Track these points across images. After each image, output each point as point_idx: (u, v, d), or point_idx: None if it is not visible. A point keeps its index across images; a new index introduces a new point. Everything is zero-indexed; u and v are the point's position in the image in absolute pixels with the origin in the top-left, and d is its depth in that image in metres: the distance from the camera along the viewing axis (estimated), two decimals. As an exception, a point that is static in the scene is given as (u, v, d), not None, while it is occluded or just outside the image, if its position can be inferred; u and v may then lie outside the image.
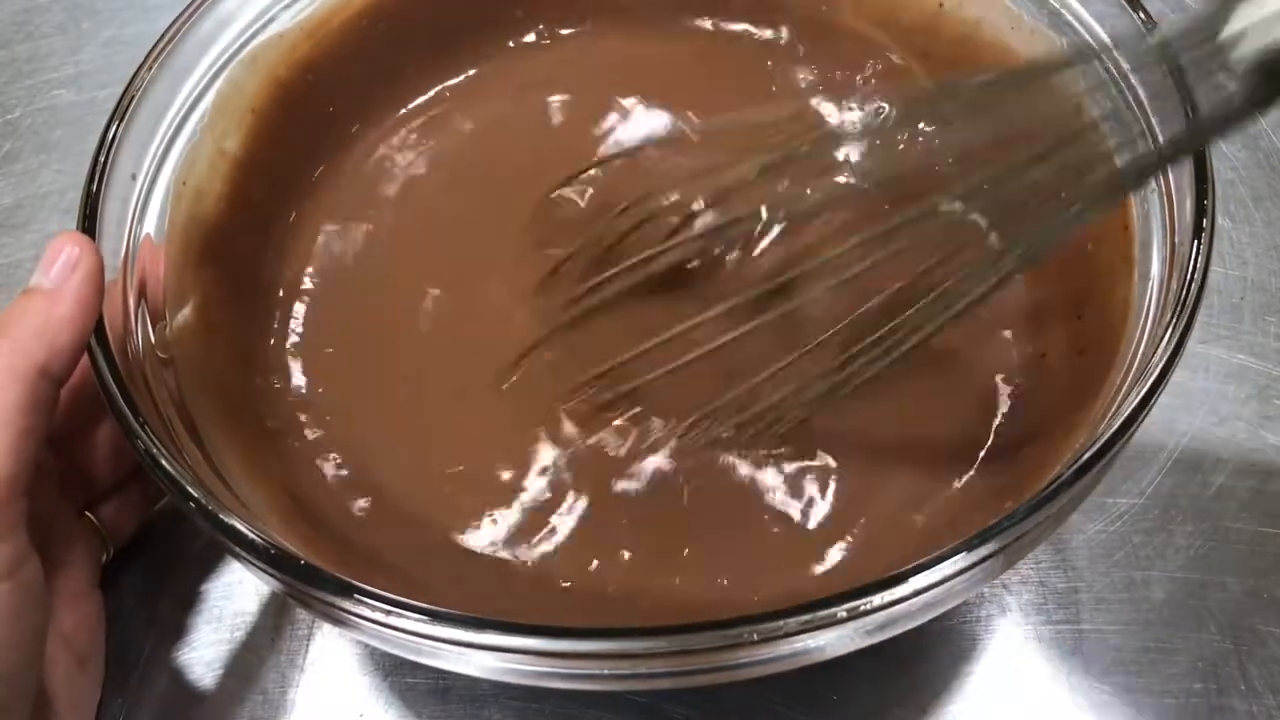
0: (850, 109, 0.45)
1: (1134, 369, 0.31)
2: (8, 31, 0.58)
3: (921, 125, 0.40)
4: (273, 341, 0.41)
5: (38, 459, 0.31)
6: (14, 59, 0.57)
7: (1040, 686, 0.38)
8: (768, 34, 0.47)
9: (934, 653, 0.39)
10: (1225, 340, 0.45)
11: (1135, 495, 0.41)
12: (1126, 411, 0.29)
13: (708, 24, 0.48)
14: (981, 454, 0.37)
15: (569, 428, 0.38)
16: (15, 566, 0.30)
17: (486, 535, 0.36)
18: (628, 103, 0.46)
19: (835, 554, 0.36)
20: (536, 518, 0.37)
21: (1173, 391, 0.43)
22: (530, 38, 0.48)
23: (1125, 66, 0.35)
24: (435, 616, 0.27)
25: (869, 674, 0.38)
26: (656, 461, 0.38)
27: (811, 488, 0.37)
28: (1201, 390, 0.44)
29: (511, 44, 0.48)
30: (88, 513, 0.38)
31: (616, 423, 0.38)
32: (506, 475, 0.37)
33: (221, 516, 0.29)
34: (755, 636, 0.26)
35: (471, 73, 0.47)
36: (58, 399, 0.32)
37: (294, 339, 0.41)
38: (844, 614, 0.26)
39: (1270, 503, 0.41)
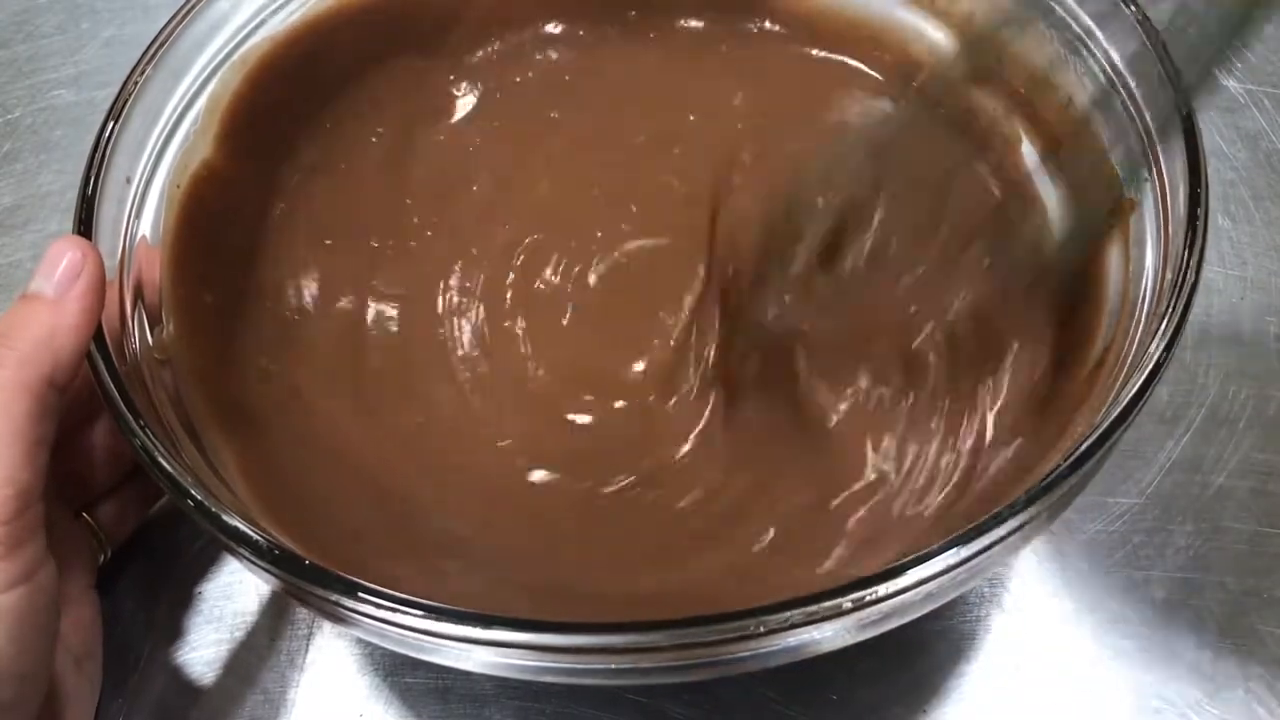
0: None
1: (1130, 361, 0.32)
2: (8, 31, 0.58)
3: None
4: (269, 341, 0.41)
5: (48, 466, 0.31)
6: (14, 59, 0.57)
7: (1039, 686, 0.38)
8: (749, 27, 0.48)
9: (933, 652, 0.39)
10: (1225, 340, 0.45)
11: (1135, 495, 0.41)
12: (1123, 403, 0.29)
13: (694, 23, 0.48)
14: (978, 447, 0.37)
15: (575, 421, 0.38)
16: (34, 570, 0.30)
17: (489, 532, 0.36)
18: (628, 101, 0.46)
19: (831, 549, 0.36)
20: (540, 513, 0.37)
21: (1173, 391, 0.43)
22: (522, 36, 0.48)
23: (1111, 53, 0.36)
24: (438, 613, 0.27)
25: (868, 673, 0.38)
26: (659, 461, 0.38)
27: (805, 483, 0.37)
28: (1201, 390, 0.44)
29: (501, 43, 0.48)
30: (84, 514, 0.38)
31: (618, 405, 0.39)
32: (510, 470, 0.38)
33: (223, 516, 0.29)
34: (761, 629, 0.26)
35: (464, 71, 0.47)
36: (62, 406, 0.32)
37: (291, 339, 0.41)
38: (849, 605, 0.26)
39: (1270, 503, 0.41)
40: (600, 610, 0.34)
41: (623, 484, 0.38)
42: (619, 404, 0.39)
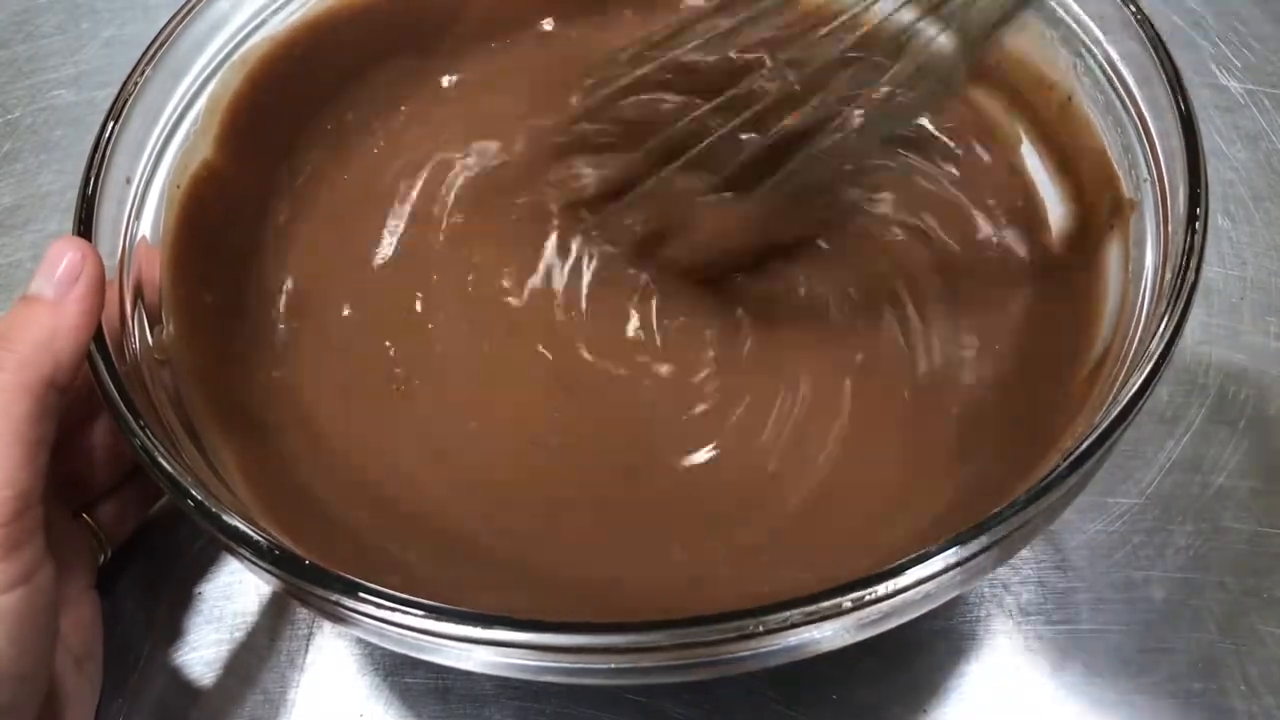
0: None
1: (1129, 361, 0.32)
2: (8, 31, 0.58)
3: None
4: (269, 341, 0.41)
5: (48, 468, 0.31)
6: (14, 59, 0.57)
7: (1039, 686, 0.38)
8: None
9: (933, 652, 0.39)
10: (1225, 340, 0.45)
11: (1135, 495, 0.41)
12: (1123, 403, 0.29)
13: None
14: (978, 447, 0.37)
15: (571, 429, 0.38)
16: (32, 572, 0.30)
17: (487, 531, 0.36)
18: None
19: (831, 550, 0.36)
20: (539, 512, 0.37)
21: (1173, 391, 0.43)
22: (521, 35, 0.48)
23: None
24: (438, 613, 0.27)
25: (868, 673, 0.38)
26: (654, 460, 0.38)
27: (805, 485, 0.37)
28: (1201, 390, 0.44)
29: (495, 44, 0.48)
30: (84, 514, 0.38)
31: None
32: (507, 469, 0.38)
33: (223, 516, 0.29)
34: (761, 628, 0.26)
35: (457, 73, 0.47)
36: (61, 407, 0.32)
37: (289, 338, 0.41)
38: (849, 604, 0.26)
39: (1270, 503, 0.41)
40: (612, 603, 0.34)
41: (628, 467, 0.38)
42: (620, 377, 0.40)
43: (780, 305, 0.41)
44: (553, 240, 0.43)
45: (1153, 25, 0.36)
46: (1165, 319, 0.30)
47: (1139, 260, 0.35)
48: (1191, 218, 0.32)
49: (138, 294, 0.36)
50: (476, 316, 0.41)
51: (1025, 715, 0.38)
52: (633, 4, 0.48)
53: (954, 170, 0.43)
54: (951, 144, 0.44)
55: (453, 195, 0.44)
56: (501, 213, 0.44)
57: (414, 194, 0.44)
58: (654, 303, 0.41)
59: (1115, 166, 0.37)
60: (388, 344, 0.41)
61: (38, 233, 0.51)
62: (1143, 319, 0.33)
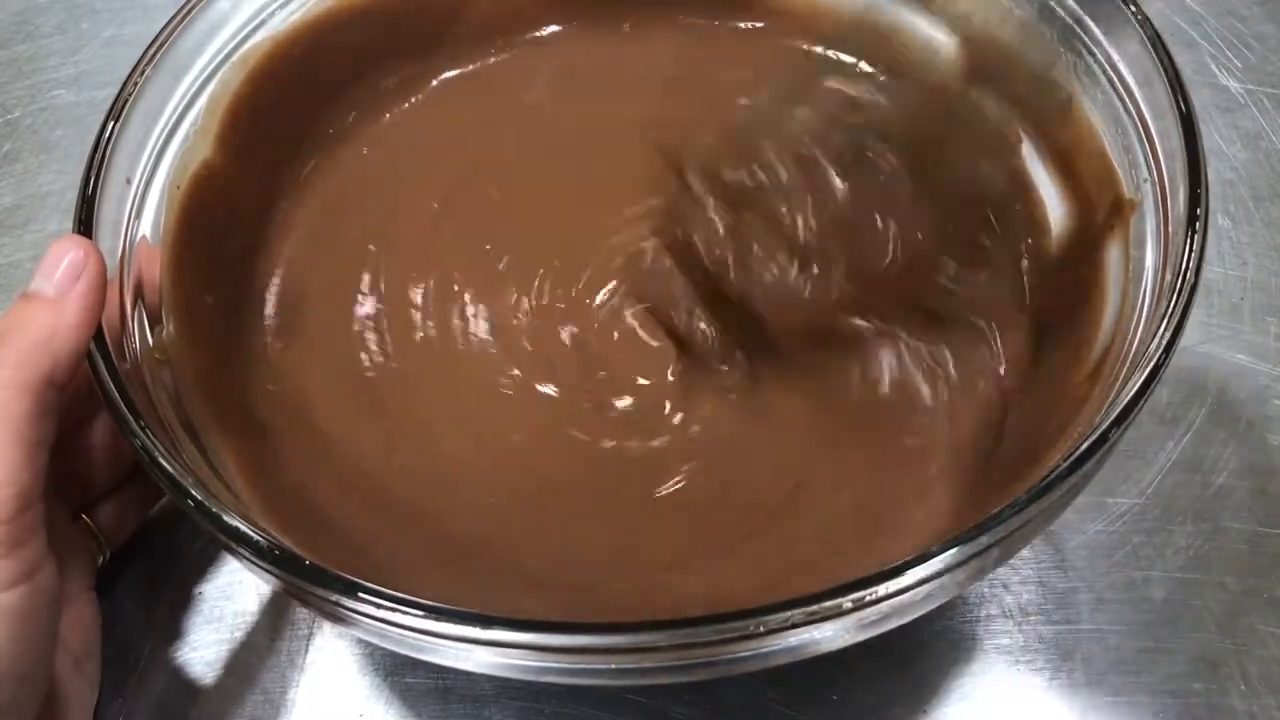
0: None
1: (1130, 361, 0.32)
2: (8, 31, 0.58)
3: None
4: (269, 341, 0.41)
5: (48, 467, 0.31)
6: (14, 59, 0.57)
7: (1040, 686, 0.38)
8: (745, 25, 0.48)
9: (934, 652, 0.39)
10: (1225, 340, 0.45)
11: (1135, 495, 0.41)
12: (1123, 403, 0.29)
13: (693, 20, 0.48)
14: (978, 447, 0.37)
15: (571, 431, 0.38)
16: (34, 570, 0.30)
17: (487, 533, 0.36)
18: (625, 99, 0.46)
19: (830, 551, 0.36)
20: (537, 514, 0.37)
21: (1173, 391, 0.43)
22: (521, 37, 0.48)
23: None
24: (438, 613, 0.27)
25: (869, 674, 0.38)
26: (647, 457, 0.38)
27: (805, 486, 0.37)
28: (1202, 390, 0.44)
29: (500, 44, 0.48)
30: (84, 515, 0.38)
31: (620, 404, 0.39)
32: (507, 471, 0.38)
33: (223, 517, 0.29)
34: (761, 629, 0.26)
35: (463, 72, 0.47)
36: (61, 406, 0.32)
37: (288, 338, 0.41)
38: (849, 605, 0.26)
39: (1270, 503, 0.41)
40: (617, 608, 0.34)
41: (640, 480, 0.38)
42: (635, 396, 0.39)
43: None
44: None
45: (1153, 25, 0.36)
46: (1165, 319, 0.30)
47: (1139, 260, 0.34)
48: (1191, 218, 0.32)
49: (138, 294, 0.36)
50: (469, 321, 0.41)
51: (1025, 715, 0.38)
52: (631, 16, 0.48)
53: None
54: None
55: (453, 197, 0.44)
56: (502, 217, 0.44)
57: (413, 195, 0.44)
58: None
59: (1115, 166, 0.37)
60: (389, 345, 0.41)
61: (38, 233, 0.51)
62: (1143, 319, 0.33)
